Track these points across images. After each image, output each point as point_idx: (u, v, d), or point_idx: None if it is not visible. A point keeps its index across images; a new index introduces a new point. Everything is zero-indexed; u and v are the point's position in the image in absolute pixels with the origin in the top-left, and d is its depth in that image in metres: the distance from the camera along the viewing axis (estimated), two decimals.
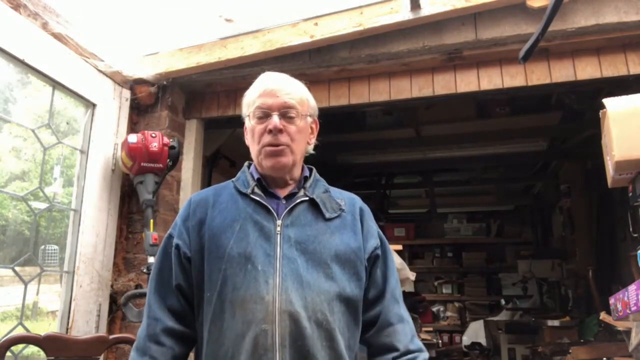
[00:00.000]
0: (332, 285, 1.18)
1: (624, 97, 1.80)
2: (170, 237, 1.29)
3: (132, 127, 2.65)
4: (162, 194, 2.54)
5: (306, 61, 2.51)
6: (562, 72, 2.32)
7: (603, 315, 2.59)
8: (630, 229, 1.98)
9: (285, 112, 1.26)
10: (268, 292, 1.14)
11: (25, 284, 2.05)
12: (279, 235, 1.20)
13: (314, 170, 1.37)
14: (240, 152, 3.23)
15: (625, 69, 2.25)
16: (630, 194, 1.80)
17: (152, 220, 2.34)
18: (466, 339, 5.67)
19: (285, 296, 1.14)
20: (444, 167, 5.30)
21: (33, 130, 2.16)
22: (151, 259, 2.24)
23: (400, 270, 2.86)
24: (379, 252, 1.31)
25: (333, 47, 2.46)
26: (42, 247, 2.23)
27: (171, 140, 2.45)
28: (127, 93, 2.60)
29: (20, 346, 2.01)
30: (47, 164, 2.24)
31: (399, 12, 2.27)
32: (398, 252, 3.34)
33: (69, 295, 2.23)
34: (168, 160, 2.42)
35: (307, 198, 1.27)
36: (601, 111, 1.81)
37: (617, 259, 3.96)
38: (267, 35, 2.43)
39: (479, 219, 7.07)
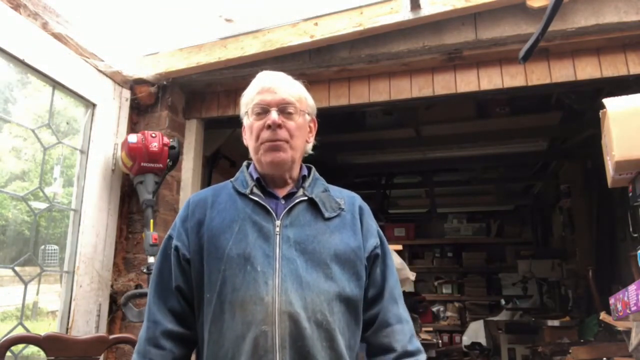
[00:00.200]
0: (331, 286, 1.18)
1: (624, 97, 1.80)
2: (170, 238, 1.29)
3: (132, 127, 2.65)
4: (162, 194, 2.54)
5: (306, 61, 2.51)
6: (562, 72, 2.32)
7: (603, 315, 2.59)
8: (630, 229, 1.98)
9: (284, 107, 1.26)
10: (267, 293, 1.14)
11: (25, 284, 2.05)
12: (278, 236, 1.20)
13: (313, 169, 1.37)
14: (240, 152, 3.23)
15: (625, 69, 2.25)
16: (630, 194, 1.80)
17: (152, 220, 2.34)
18: (466, 339, 5.67)
19: (285, 297, 1.13)
20: (444, 167, 5.29)
21: (33, 130, 2.16)
22: (151, 259, 2.24)
23: (400, 270, 2.86)
24: (378, 251, 1.30)
25: (333, 47, 2.46)
26: (42, 247, 2.23)
27: (171, 140, 2.45)
28: (127, 93, 2.60)
29: (20, 346, 2.01)
30: (47, 164, 2.24)
31: (399, 12, 2.27)
32: (398, 252, 3.33)
33: (69, 295, 2.23)
34: (168, 160, 2.42)
35: (306, 198, 1.27)
36: (601, 111, 1.81)
37: (617, 259, 3.95)
38: (267, 35, 2.43)
39: (479, 219, 7.06)
